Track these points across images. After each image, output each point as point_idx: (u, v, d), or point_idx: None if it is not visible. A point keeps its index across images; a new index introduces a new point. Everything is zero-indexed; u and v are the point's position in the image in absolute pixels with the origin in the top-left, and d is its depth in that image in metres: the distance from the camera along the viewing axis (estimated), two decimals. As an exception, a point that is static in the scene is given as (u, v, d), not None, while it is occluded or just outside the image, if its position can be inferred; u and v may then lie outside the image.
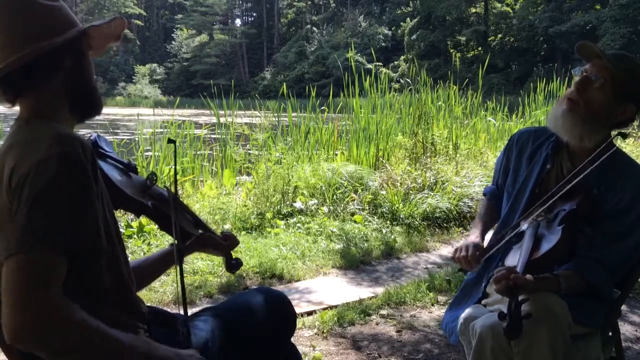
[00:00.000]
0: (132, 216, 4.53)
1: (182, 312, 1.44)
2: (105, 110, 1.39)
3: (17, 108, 1.25)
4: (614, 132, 1.79)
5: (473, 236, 1.90)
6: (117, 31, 1.35)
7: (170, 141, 1.53)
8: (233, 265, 1.70)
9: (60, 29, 1.22)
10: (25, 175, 1.07)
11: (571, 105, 1.74)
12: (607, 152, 1.68)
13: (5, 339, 1.01)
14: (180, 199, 1.59)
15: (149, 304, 1.60)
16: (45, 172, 1.06)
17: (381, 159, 6.57)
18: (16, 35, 1.18)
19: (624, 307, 3.18)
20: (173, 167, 5.30)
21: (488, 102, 8.89)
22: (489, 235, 2.01)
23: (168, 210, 1.50)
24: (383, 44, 51.44)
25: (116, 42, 1.39)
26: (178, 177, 5.33)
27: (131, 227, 4.41)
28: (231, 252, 1.72)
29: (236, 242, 1.70)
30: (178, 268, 1.43)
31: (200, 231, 1.63)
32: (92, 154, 1.16)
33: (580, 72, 1.77)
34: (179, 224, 1.47)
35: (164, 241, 4.17)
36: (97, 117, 1.37)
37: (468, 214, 5.39)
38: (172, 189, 1.47)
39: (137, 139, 6.02)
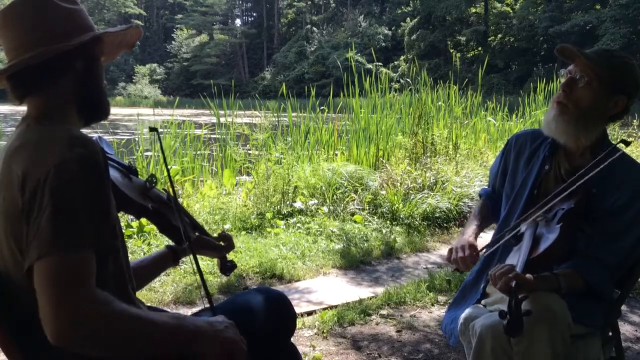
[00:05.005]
0: (132, 216, 4.53)
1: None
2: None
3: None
4: (609, 128, 1.79)
5: (467, 235, 1.90)
6: (132, 40, 1.37)
7: (152, 129, 1.49)
8: (228, 267, 1.72)
9: (76, 32, 1.23)
10: (44, 177, 1.07)
11: (561, 109, 1.76)
12: (610, 156, 1.68)
13: (50, 340, 1.02)
14: (178, 201, 1.59)
15: (149, 304, 1.60)
16: (67, 174, 1.07)
17: (381, 159, 6.56)
18: (32, 35, 1.20)
19: (624, 307, 3.18)
20: (172, 166, 5.30)
21: (488, 102, 8.89)
22: (481, 237, 2.01)
23: (167, 213, 1.51)
24: (383, 44, 51.44)
25: (128, 50, 1.40)
26: (178, 177, 5.32)
27: (131, 227, 4.41)
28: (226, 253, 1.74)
29: (232, 247, 1.71)
30: (195, 265, 1.44)
31: (197, 233, 1.65)
32: (104, 156, 1.17)
33: (565, 74, 1.79)
34: (179, 225, 1.48)
35: (164, 241, 4.17)
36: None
37: (468, 214, 5.37)
38: (168, 185, 1.47)
39: (137, 138, 6.02)
